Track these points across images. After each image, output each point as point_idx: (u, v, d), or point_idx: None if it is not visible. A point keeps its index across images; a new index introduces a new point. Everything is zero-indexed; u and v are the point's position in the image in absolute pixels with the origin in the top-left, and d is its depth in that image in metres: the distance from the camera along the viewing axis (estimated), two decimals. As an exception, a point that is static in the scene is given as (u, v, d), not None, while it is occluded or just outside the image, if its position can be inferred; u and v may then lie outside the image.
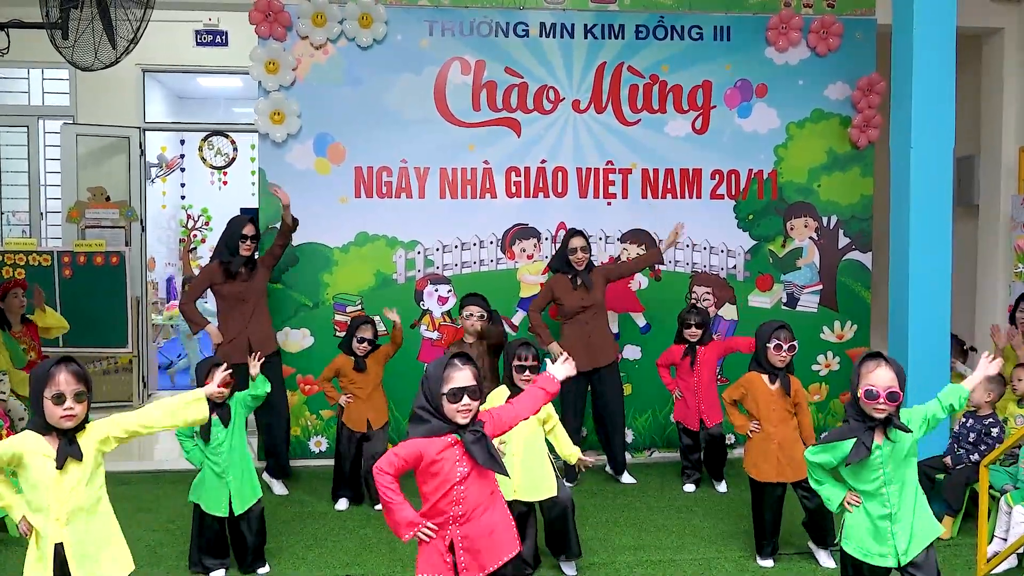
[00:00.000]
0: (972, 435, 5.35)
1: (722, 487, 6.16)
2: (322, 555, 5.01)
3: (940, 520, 5.21)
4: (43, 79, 9.45)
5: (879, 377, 3.39)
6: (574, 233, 6.30)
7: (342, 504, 5.83)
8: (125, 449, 7.30)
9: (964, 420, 5.48)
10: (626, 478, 6.38)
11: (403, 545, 5.09)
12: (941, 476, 5.36)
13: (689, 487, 6.20)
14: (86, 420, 3.21)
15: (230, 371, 4.30)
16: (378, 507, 5.74)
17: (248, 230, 6.07)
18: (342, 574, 4.76)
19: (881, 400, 3.36)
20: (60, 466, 3.10)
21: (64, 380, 3.13)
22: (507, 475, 3.34)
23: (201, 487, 4.69)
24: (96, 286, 7.96)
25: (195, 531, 4.76)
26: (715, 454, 6.19)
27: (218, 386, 4.37)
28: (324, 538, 5.27)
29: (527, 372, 4.61)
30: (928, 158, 5.64)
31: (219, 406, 4.67)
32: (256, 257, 6.20)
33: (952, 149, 5.69)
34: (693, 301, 6.93)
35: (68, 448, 3.13)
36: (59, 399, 3.10)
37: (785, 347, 4.78)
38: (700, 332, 6.08)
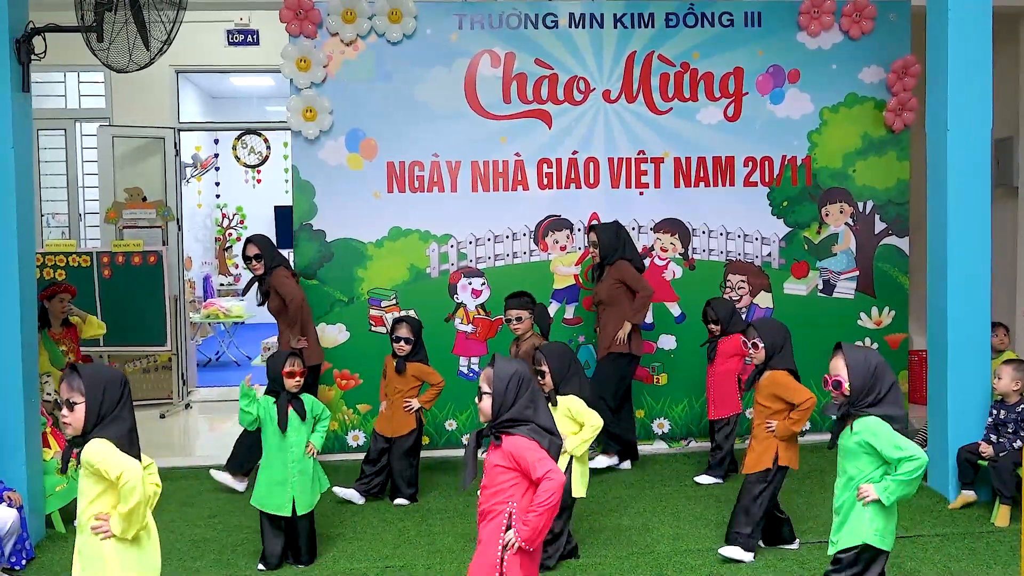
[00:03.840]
0: (1011, 425, 5.32)
1: (702, 479, 6.13)
2: (361, 548, 5.05)
3: (994, 509, 5.22)
4: (79, 82, 9.59)
5: (831, 367, 3.65)
6: (589, 228, 6.47)
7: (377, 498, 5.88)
8: (167, 445, 7.48)
9: (995, 411, 5.44)
10: (624, 464, 6.45)
11: (441, 538, 5.17)
12: (984, 463, 5.33)
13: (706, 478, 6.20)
14: (98, 436, 3.16)
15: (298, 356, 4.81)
16: (397, 501, 5.79)
17: (249, 250, 6.14)
18: (382, 566, 4.79)
19: (828, 388, 3.64)
20: (63, 471, 3.16)
21: (61, 388, 3.17)
22: (463, 488, 3.36)
23: (263, 490, 4.75)
24: (135, 285, 8.03)
25: (265, 531, 4.81)
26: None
27: (286, 374, 4.66)
28: (363, 531, 5.31)
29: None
30: (965, 140, 5.59)
31: (294, 398, 4.76)
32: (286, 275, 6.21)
33: (990, 130, 5.63)
34: (728, 290, 6.96)
35: (68, 452, 3.16)
36: (58, 406, 3.15)
37: (748, 345, 4.77)
38: (718, 328, 6.09)
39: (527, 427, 3.21)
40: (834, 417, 3.61)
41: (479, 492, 3.30)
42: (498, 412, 3.22)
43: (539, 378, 4.68)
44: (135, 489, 3.07)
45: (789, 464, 4.68)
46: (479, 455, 3.29)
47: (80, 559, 3.20)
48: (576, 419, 4.62)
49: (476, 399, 3.33)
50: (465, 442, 6.84)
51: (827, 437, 5.84)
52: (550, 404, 4.66)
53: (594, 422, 4.61)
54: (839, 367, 3.59)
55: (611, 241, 6.30)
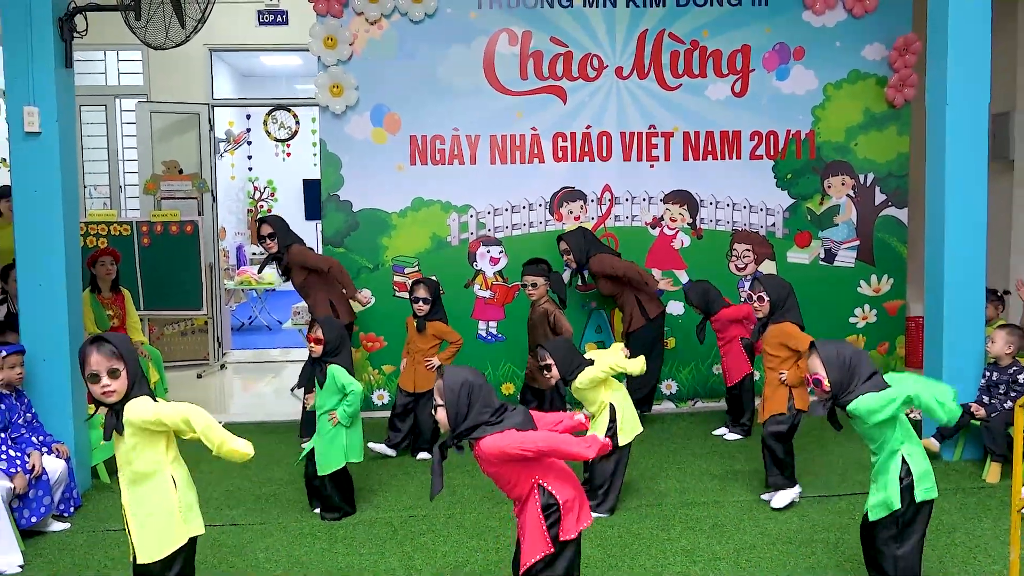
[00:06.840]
0: (1002, 387, 5.45)
1: (730, 435, 6.39)
2: (387, 498, 5.26)
3: (985, 466, 5.36)
4: (118, 60, 9.86)
5: (808, 366, 3.71)
6: (558, 239, 6.72)
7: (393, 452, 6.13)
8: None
9: (988, 373, 5.56)
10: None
11: (461, 490, 5.35)
12: (977, 423, 5.46)
13: (731, 435, 6.42)
14: (135, 396, 3.24)
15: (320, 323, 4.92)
16: (420, 456, 6.04)
17: (263, 230, 6.40)
18: (406, 516, 5.01)
19: (811, 387, 3.74)
20: (107, 437, 3.26)
21: (95, 360, 3.18)
22: (432, 497, 3.36)
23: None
24: (172, 253, 8.31)
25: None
26: (733, 407, 6.48)
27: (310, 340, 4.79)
28: (388, 483, 5.52)
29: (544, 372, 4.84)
30: (963, 114, 5.59)
31: (315, 363, 4.98)
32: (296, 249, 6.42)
33: (988, 105, 5.63)
34: (734, 259, 7.20)
35: (111, 421, 3.24)
36: (94, 379, 3.18)
37: (754, 298, 5.02)
38: (701, 311, 6.38)
39: (494, 427, 3.18)
40: (823, 413, 3.65)
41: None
42: (455, 421, 3.20)
43: (545, 372, 4.77)
44: (199, 413, 3.20)
45: (802, 407, 4.91)
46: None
47: (136, 509, 3.28)
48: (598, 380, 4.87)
49: (432, 411, 3.30)
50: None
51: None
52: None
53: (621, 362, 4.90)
54: (816, 365, 3.62)
55: (580, 244, 6.58)
